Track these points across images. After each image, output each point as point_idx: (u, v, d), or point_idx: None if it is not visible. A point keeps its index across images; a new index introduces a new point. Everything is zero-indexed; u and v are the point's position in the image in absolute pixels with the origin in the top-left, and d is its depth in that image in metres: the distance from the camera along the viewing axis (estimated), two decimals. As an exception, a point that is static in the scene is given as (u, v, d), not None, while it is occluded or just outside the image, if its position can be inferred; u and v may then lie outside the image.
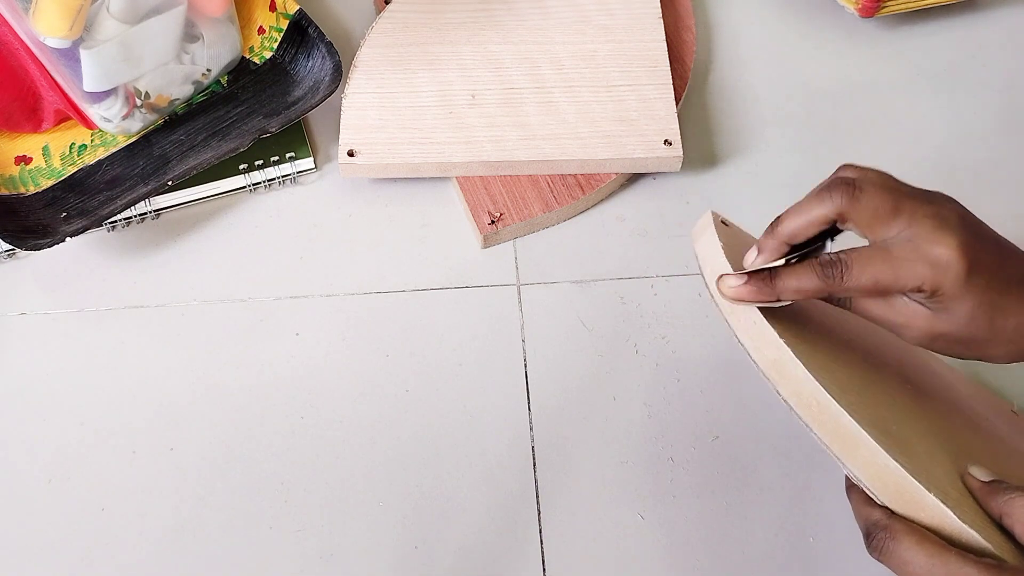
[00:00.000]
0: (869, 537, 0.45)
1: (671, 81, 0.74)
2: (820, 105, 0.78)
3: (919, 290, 0.45)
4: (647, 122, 0.72)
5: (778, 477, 0.62)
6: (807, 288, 0.47)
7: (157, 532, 0.59)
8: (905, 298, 0.46)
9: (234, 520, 0.60)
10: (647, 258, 0.70)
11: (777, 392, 0.46)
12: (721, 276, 0.48)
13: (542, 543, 0.60)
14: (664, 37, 0.76)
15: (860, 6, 0.78)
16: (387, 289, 0.68)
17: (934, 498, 0.43)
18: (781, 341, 0.45)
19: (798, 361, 0.45)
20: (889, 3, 0.78)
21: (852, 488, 0.47)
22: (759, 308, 0.47)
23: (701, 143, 0.75)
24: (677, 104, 0.74)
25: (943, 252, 0.44)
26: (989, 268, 0.45)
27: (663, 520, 0.60)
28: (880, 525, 0.44)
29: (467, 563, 0.59)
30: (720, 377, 0.65)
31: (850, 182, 0.46)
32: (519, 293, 0.68)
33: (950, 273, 0.44)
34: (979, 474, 0.46)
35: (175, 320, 0.67)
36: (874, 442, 0.43)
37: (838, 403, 0.44)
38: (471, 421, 0.63)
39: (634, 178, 0.74)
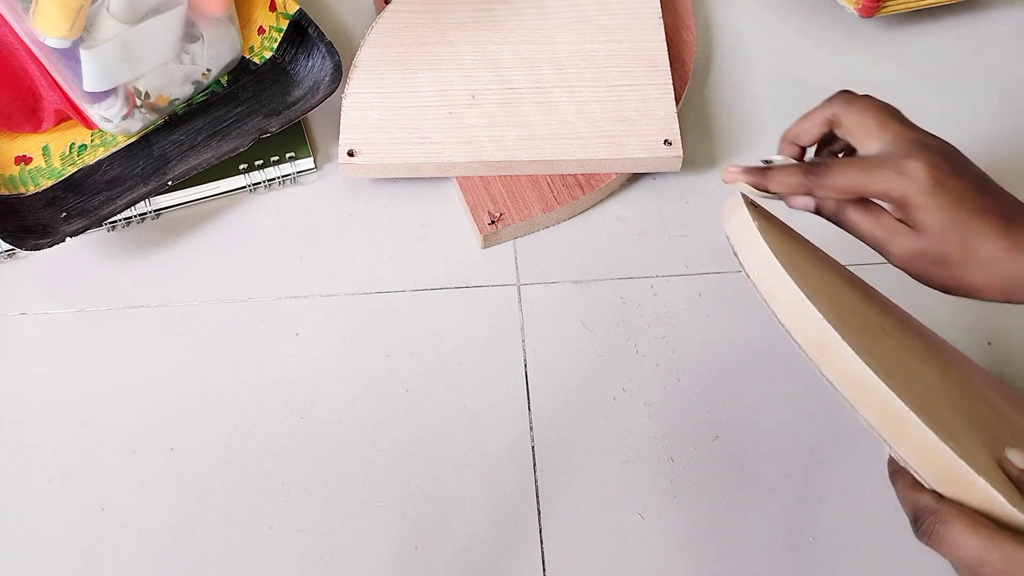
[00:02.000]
0: (917, 522, 0.44)
1: (671, 81, 0.74)
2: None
3: (888, 196, 0.48)
4: (647, 122, 0.72)
5: (778, 477, 0.62)
6: (791, 181, 0.51)
7: (157, 532, 0.59)
8: (888, 215, 0.49)
9: (234, 520, 0.60)
10: (647, 258, 0.70)
11: (820, 373, 0.45)
12: (726, 167, 0.53)
13: (542, 543, 0.60)
14: (664, 37, 0.76)
15: (860, 6, 0.78)
16: (387, 289, 0.68)
17: (984, 481, 0.42)
18: (824, 321, 0.45)
19: (843, 341, 0.44)
20: (889, 3, 0.78)
21: (897, 472, 0.46)
22: (800, 288, 0.46)
23: (701, 143, 0.75)
24: (677, 104, 0.74)
25: (912, 165, 0.48)
26: (959, 190, 0.48)
27: (663, 520, 0.60)
28: (929, 509, 0.44)
29: (467, 563, 0.59)
30: (720, 377, 0.65)
31: (851, 93, 0.52)
32: (519, 293, 0.68)
33: (915, 184, 0.48)
34: (1018, 459, 0.46)
35: (175, 320, 0.67)
36: (924, 424, 0.42)
37: (886, 384, 0.43)
38: (471, 421, 0.63)
39: (634, 178, 0.74)
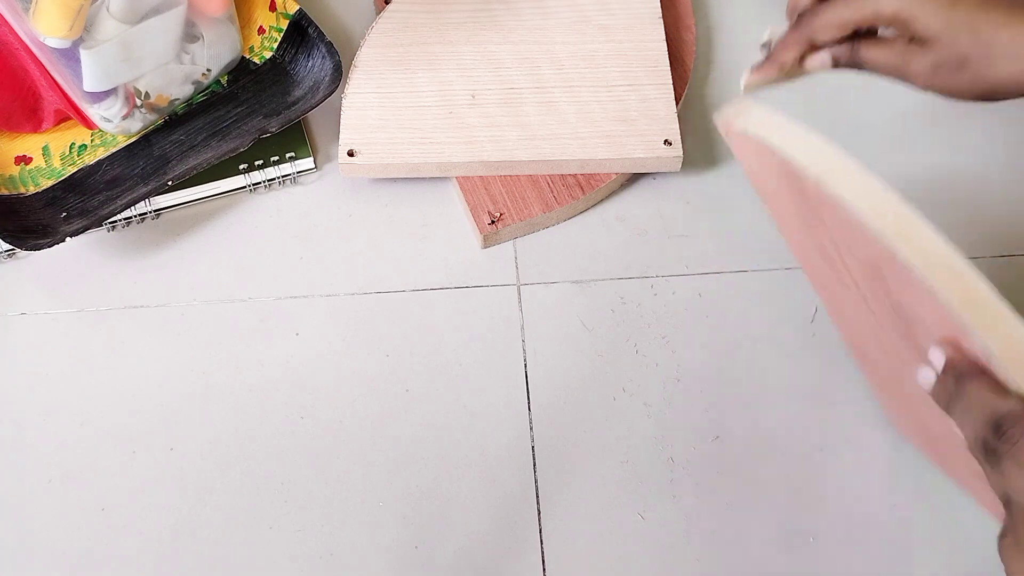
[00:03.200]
0: (1000, 428, 0.39)
1: (671, 81, 0.74)
2: (820, 105, 0.77)
3: (881, 17, 0.50)
4: (647, 122, 0.72)
5: (778, 477, 0.62)
6: (792, 40, 0.54)
7: (157, 532, 0.59)
8: (899, 41, 0.51)
9: (234, 520, 0.60)
10: (647, 258, 0.70)
11: (895, 259, 0.41)
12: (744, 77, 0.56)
13: (542, 543, 0.60)
14: (664, 37, 0.76)
15: (860, 6, 0.78)
16: (387, 289, 0.68)
17: None
18: (900, 200, 0.41)
19: (922, 220, 0.40)
20: (889, 3, 0.78)
21: (968, 376, 0.42)
22: (867, 171, 0.43)
23: (701, 143, 0.75)
24: (677, 104, 0.74)
25: None
26: None
27: (663, 520, 0.60)
28: (1015, 415, 0.39)
29: (467, 563, 0.59)
30: (720, 377, 0.65)
31: None
32: (519, 293, 0.68)
33: None
34: None
35: (175, 320, 0.67)
36: (1015, 314, 0.39)
37: (973, 270, 0.40)
38: (471, 421, 0.63)
39: (634, 178, 0.74)
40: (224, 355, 0.65)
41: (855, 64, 0.53)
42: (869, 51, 0.52)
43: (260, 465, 0.62)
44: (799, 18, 0.54)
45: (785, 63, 0.54)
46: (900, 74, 0.51)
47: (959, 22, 0.47)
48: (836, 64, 0.54)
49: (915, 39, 0.49)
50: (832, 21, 0.52)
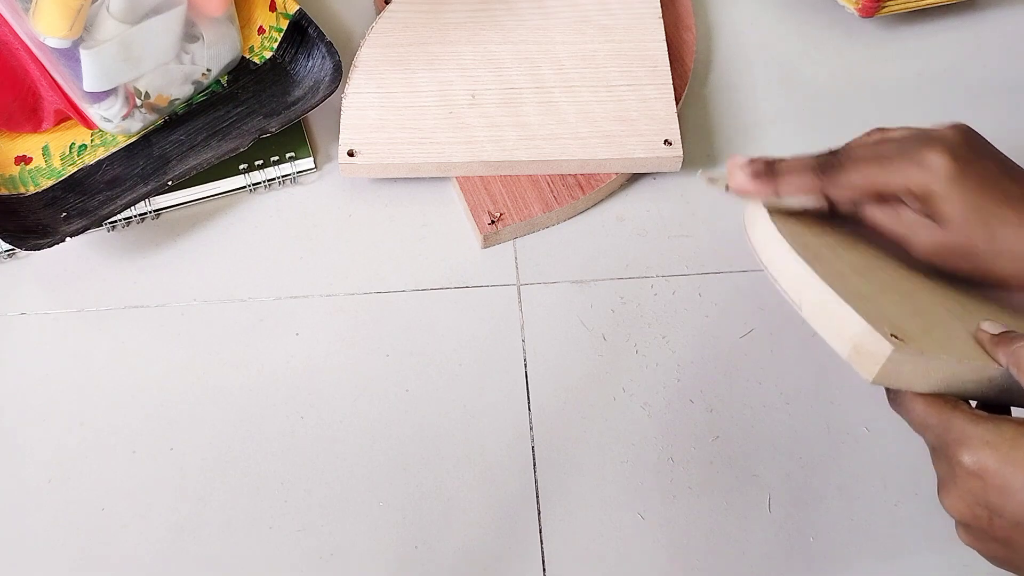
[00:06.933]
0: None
1: (671, 81, 0.74)
2: (820, 105, 0.78)
3: (910, 192, 0.47)
4: (647, 122, 0.72)
5: (778, 477, 0.62)
6: (802, 183, 0.50)
7: (157, 532, 0.59)
8: (907, 209, 0.48)
9: (234, 520, 0.60)
10: (647, 258, 0.70)
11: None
12: (732, 164, 0.51)
13: (542, 543, 0.60)
14: (664, 37, 0.76)
15: (860, 6, 0.78)
16: (387, 289, 0.68)
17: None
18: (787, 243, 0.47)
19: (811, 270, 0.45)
20: (889, 3, 0.78)
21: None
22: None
23: (701, 143, 0.75)
24: (677, 104, 0.74)
25: (932, 156, 0.47)
26: (982, 176, 0.47)
27: (663, 520, 0.60)
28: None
29: (467, 563, 0.59)
30: (720, 377, 0.65)
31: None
32: (519, 293, 0.68)
33: (940, 174, 0.46)
34: (990, 327, 0.46)
35: (175, 320, 0.67)
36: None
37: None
38: (471, 421, 0.63)
39: (634, 178, 0.74)
40: (224, 355, 0.65)
41: (853, 216, 0.50)
42: (874, 212, 0.49)
43: (260, 465, 0.62)
44: (823, 167, 0.49)
45: (781, 195, 0.50)
46: (902, 241, 0.49)
47: (980, 214, 0.46)
48: (831, 209, 0.50)
49: (928, 215, 0.47)
50: (859, 184, 0.48)
